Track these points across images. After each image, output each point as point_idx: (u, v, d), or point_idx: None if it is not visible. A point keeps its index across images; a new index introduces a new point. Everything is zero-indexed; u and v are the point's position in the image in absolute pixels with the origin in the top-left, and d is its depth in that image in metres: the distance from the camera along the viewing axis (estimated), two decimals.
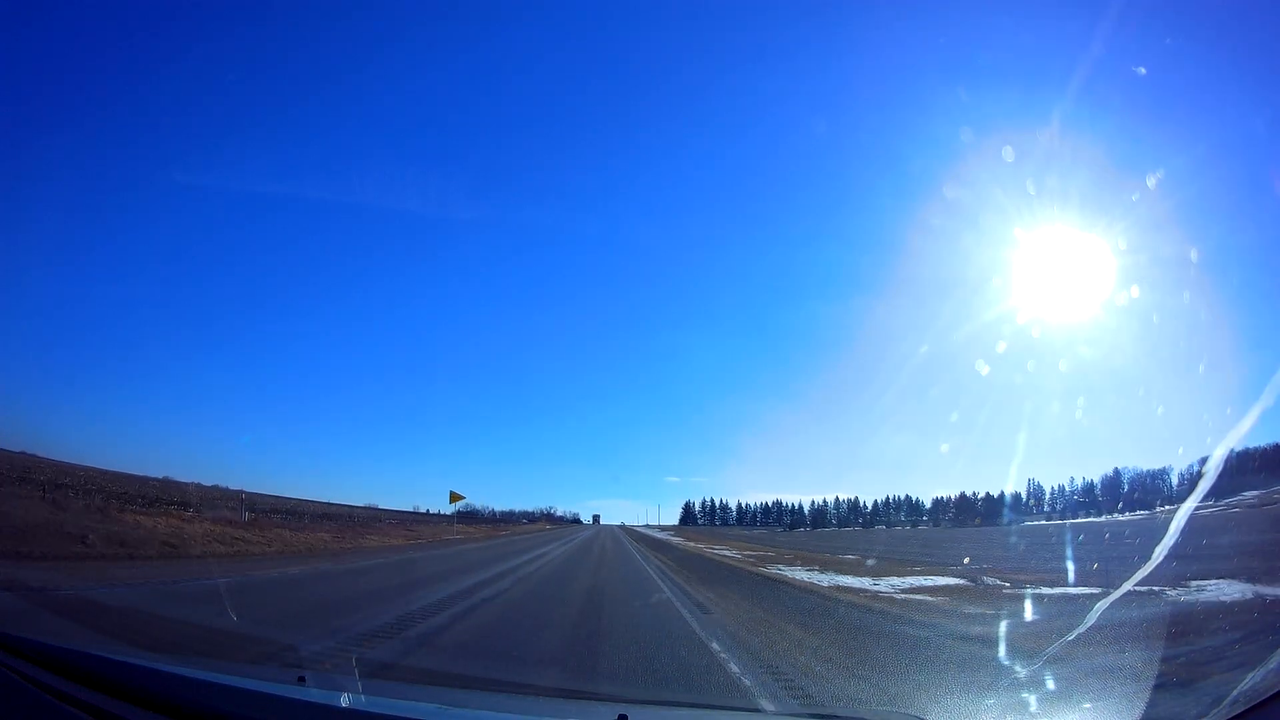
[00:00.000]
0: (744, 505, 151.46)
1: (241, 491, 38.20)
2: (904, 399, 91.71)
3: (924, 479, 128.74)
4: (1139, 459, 79.82)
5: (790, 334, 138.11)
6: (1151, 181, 14.70)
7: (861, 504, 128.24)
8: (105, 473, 39.80)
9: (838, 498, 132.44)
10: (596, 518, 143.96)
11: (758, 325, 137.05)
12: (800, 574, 17.42)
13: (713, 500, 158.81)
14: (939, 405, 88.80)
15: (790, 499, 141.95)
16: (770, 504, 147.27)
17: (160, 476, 44.72)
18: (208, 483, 45.25)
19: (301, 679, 2.73)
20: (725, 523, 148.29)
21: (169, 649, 5.45)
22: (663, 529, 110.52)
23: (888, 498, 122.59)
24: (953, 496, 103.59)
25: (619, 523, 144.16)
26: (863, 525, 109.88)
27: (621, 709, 2.59)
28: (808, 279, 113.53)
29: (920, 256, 63.26)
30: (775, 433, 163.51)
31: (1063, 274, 16.85)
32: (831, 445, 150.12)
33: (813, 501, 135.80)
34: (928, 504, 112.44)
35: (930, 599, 11.47)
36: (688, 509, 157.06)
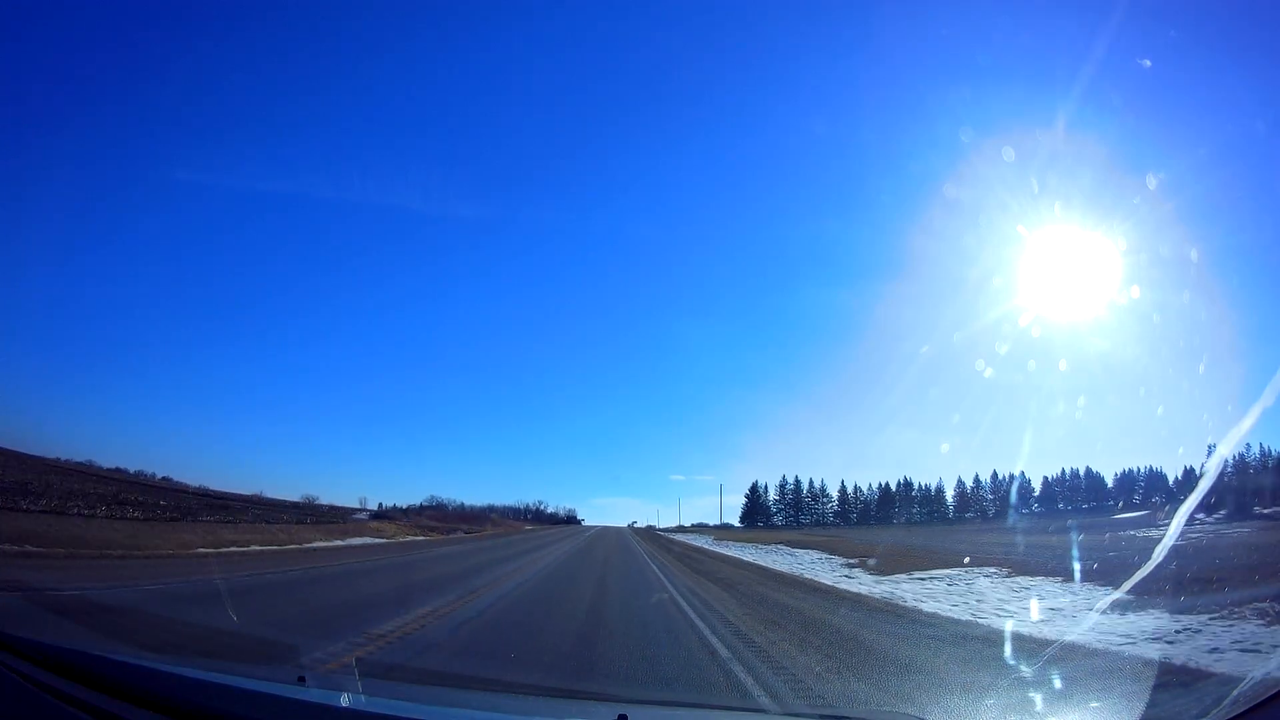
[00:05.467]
0: (852, 489, 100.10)
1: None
2: (912, 395, 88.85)
3: (930, 474, 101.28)
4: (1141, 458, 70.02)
5: (795, 333, 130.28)
6: (1153, 182, 14.69)
7: (1027, 482, 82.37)
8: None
9: (995, 473, 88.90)
10: (550, 514, 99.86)
11: (760, 325, 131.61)
12: None
13: (796, 480, 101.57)
14: (946, 401, 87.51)
15: (922, 479, 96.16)
16: (896, 484, 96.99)
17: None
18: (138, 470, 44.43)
19: (301, 679, 2.73)
20: (821, 520, 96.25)
21: None
22: (731, 536, 58.47)
23: (1062, 472, 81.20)
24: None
25: (629, 522, 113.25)
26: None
27: (621, 709, 2.58)
28: (811, 277, 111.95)
29: (923, 256, 63.20)
30: (780, 431, 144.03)
31: (1065, 273, 16.85)
32: (837, 443, 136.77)
33: (958, 480, 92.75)
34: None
35: None
36: (754, 498, 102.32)
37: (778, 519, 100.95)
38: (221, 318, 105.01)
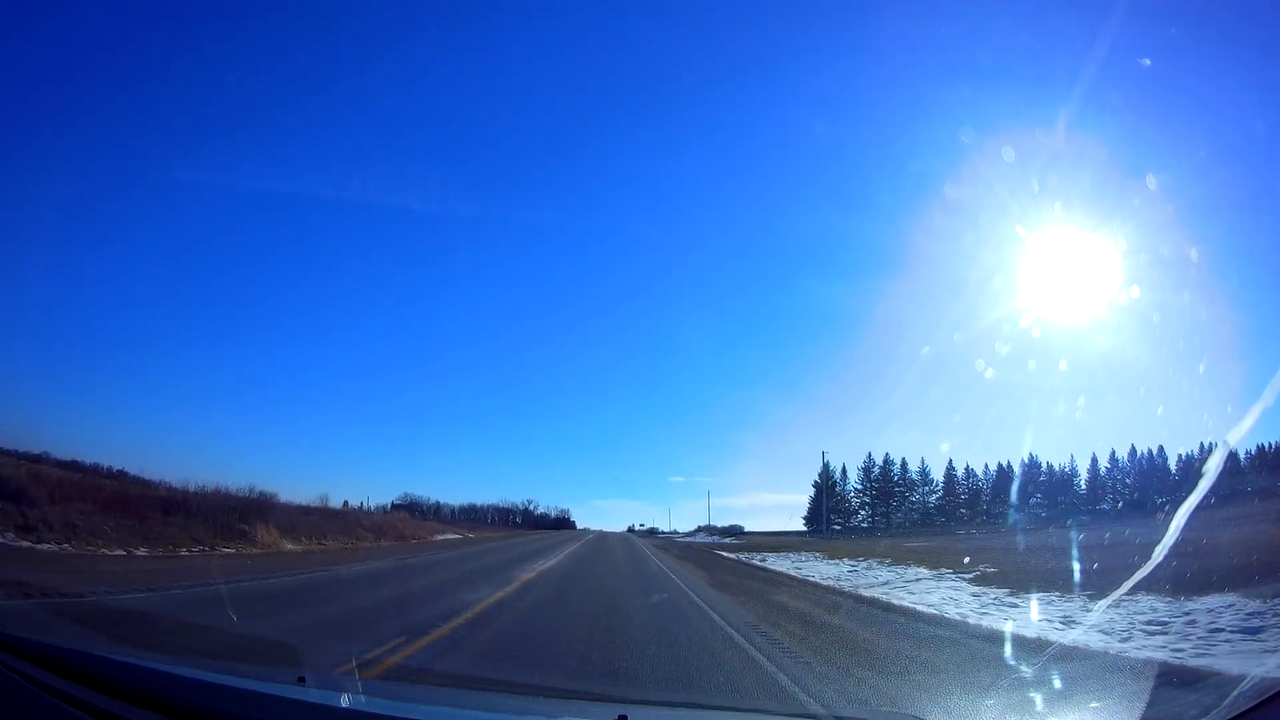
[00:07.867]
0: (959, 471, 71.01)
1: None
2: (913, 396, 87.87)
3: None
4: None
5: (795, 332, 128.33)
6: (1153, 182, 14.67)
7: (1164, 461, 61.87)
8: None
9: (1134, 448, 66.00)
10: (538, 516, 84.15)
11: (760, 326, 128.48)
12: None
13: (885, 460, 71.81)
14: (944, 402, 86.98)
15: (1054, 460, 69.06)
16: (1022, 464, 67.66)
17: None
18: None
19: (301, 679, 2.72)
20: (926, 517, 69.56)
21: None
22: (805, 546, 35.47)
23: (1201, 446, 51.85)
24: None
25: (629, 525, 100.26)
26: None
27: (621, 709, 2.59)
28: (812, 277, 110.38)
29: (923, 256, 62.89)
30: (782, 431, 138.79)
31: (1065, 274, 16.87)
32: (839, 441, 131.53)
33: (1094, 459, 68.34)
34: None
35: None
36: (825, 486, 69.29)
37: (863, 520, 72.25)
38: (221, 317, 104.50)
